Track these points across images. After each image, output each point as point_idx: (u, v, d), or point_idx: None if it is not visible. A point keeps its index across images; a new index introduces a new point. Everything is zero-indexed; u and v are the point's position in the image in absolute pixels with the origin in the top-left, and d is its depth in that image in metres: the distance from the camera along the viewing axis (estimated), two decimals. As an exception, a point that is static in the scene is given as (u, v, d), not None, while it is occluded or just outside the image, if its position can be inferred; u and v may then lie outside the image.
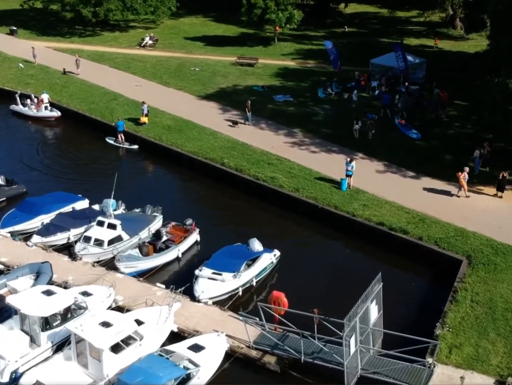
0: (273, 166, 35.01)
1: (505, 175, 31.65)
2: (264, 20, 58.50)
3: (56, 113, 45.10)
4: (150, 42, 61.46)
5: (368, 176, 33.84)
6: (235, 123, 40.80)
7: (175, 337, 22.35)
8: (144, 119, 41.43)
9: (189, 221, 29.50)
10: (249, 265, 26.15)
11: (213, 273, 25.25)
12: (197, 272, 25.41)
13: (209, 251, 27.24)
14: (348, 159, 32.74)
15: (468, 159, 34.84)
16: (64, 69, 52.74)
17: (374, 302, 20.95)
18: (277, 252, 27.58)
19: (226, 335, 22.01)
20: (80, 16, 63.99)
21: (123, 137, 40.50)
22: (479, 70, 36.57)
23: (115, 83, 49.69)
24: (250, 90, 47.85)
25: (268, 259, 26.95)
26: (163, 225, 29.79)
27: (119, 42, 63.31)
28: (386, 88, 45.30)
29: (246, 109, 40.96)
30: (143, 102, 42.22)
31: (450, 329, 21.96)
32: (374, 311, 21.02)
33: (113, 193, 29.04)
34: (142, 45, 61.32)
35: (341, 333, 19.53)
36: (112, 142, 40.68)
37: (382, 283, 21.35)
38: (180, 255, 28.10)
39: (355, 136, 38.53)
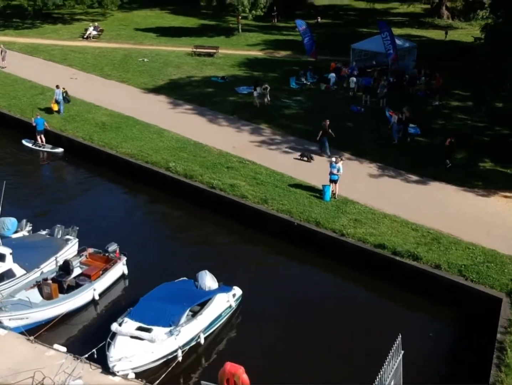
0: (234, 171, 26.78)
1: (452, 140, 26.38)
2: (226, 5, 50.36)
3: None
4: (94, 32, 52.89)
5: (359, 181, 25.83)
6: (306, 156, 27.88)
7: None
8: (55, 107, 33.94)
9: (112, 247, 21.00)
10: (195, 313, 17.79)
11: (139, 328, 16.81)
12: (114, 326, 16.93)
13: (141, 290, 18.92)
14: (333, 160, 24.65)
15: (481, 154, 27.43)
16: (-14, 62, 43.97)
17: (392, 383, 12.74)
18: (237, 291, 19.30)
19: (152, 435, 13.61)
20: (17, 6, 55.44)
21: (43, 138, 31.87)
22: (491, 54, 28.97)
23: (46, 76, 40.97)
24: (208, 81, 39.66)
25: (224, 301, 18.61)
26: (78, 253, 21.29)
27: (59, 34, 54.58)
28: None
29: (322, 132, 28.04)
30: (57, 86, 34.18)
31: (508, 418, 13.89)
32: (391, 399, 12.80)
33: (-1, 209, 20.52)
34: (85, 36, 52.73)
35: None
36: (30, 145, 31.93)
37: (403, 352, 13.14)
38: (96, 297, 19.58)
39: (255, 105, 34.49)
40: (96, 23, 54.90)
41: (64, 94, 34.60)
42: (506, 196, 24.39)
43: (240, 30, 53.81)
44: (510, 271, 19.56)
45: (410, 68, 38.17)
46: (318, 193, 24.58)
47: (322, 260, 21.78)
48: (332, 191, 24.34)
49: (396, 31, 53.69)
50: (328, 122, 28.21)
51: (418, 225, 22.28)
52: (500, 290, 18.78)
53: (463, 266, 19.78)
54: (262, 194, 24.61)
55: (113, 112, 34.14)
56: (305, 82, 38.02)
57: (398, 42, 39.10)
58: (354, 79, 36.57)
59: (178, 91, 37.83)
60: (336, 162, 24.23)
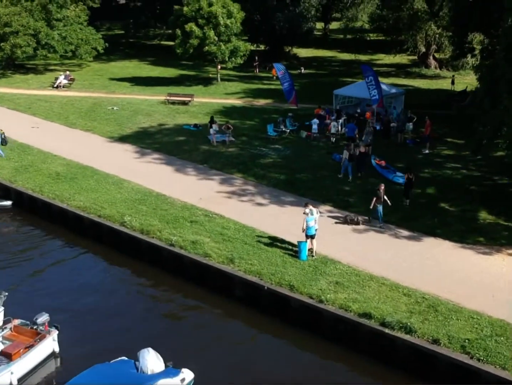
0: (198, 225, 23.31)
1: (410, 177, 24.63)
2: (203, 53, 47.86)
3: None
4: (65, 81, 50.03)
5: (341, 237, 22.43)
6: (352, 219, 23.28)
7: None
8: None
9: (42, 318, 17.32)
10: (130, 406, 14.00)
11: (52, 429, 13.00)
12: (21, 427, 13.13)
13: (74, 372, 15.21)
14: (307, 211, 21.11)
15: (480, 207, 24.22)
16: None
17: None
18: (188, 375, 15.60)
19: None
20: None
21: (-11, 190, 28.51)
22: (488, 95, 26.13)
23: (7, 126, 37.60)
24: (179, 129, 36.60)
25: (170, 389, 14.87)
26: (2, 325, 17.55)
27: (29, 84, 51.69)
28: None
29: (375, 198, 22.85)
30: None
31: None
32: None
33: None
34: (55, 85, 49.84)
35: None
36: (-25, 197, 28.51)
37: None
38: (14, 383, 15.80)
39: (213, 144, 33.23)
40: (67, 72, 52.16)
41: (3, 136, 31.90)
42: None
43: (219, 79, 51.29)
44: (524, 346, 16.00)
45: (397, 114, 35.53)
46: (294, 250, 21.10)
47: (296, 332, 18.22)
48: (310, 248, 20.89)
49: (382, 80, 51.51)
50: (383, 187, 23.18)
51: (410, 289, 18.76)
52: (514, 371, 15.19)
53: (466, 340, 16.19)
54: (228, 252, 21.09)
55: (71, 162, 30.82)
56: (284, 129, 35.00)
57: (384, 87, 36.46)
58: (336, 123, 33.81)
59: (146, 139, 34.73)
60: (311, 214, 20.81)
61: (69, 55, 57.06)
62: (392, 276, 19.50)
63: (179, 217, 24.00)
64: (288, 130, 35.03)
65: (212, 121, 34.21)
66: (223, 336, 18.10)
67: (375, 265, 20.22)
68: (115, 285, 21.13)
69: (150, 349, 15.68)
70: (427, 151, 31.50)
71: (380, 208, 22.91)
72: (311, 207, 21.24)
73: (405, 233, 22.63)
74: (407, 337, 16.55)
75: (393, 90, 38.19)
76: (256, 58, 56.59)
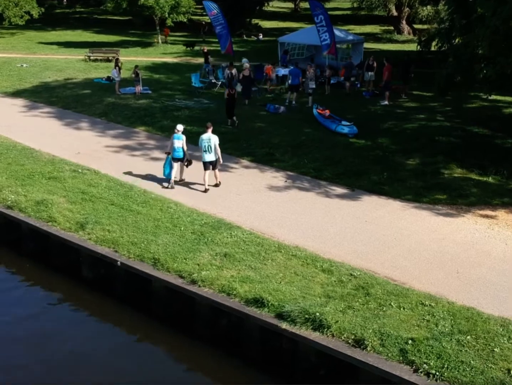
0: (56, 183, 16.76)
1: (232, 92, 22.18)
2: (139, 9, 41.33)
3: None
4: (-19, 43, 43.40)
5: (250, 196, 16.01)
6: None
7: None
8: None
9: None
10: None
11: None
12: None
13: None
14: (179, 128, 15.44)
15: (446, 159, 17.91)
16: None
17: None
18: None
19: None
20: None
21: None
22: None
23: None
24: (89, 83, 29.97)
25: None
26: None
27: None
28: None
29: None
30: None
31: None
32: None
33: None
34: (-31, 47, 43.11)
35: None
36: None
37: None
38: None
39: (117, 93, 27.39)
40: (-15, 32, 45.44)
41: None
42: (486, 216, 14.64)
43: (160, 41, 44.65)
44: (504, 352, 9.64)
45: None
46: (181, 212, 14.72)
47: (166, 331, 11.85)
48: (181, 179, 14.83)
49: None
50: None
51: (334, 263, 12.36)
52: (487, 394, 8.87)
53: (410, 341, 9.82)
54: (82, 216, 14.58)
55: None
56: (214, 81, 28.50)
57: (338, 34, 30.14)
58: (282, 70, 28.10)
59: (44, 94, 28.09)
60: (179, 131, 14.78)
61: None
62: (311, 246, 13.12)
63: (36, 173, 17.45)
64: (220, 82, 28.48)
65: (116, 62, 28.43)
66: (64, 339, 11.67)
67: (290, 231, 13.85)
68: None
69: None
70: (386, 103, 25.21)
71: None
72: (209, 132, 15.30)
73: (340, 190, 16.22)
74: (314, 336, 10.16)
75: (350, 37, 31.80)
76: (204, 22, 49.73)
